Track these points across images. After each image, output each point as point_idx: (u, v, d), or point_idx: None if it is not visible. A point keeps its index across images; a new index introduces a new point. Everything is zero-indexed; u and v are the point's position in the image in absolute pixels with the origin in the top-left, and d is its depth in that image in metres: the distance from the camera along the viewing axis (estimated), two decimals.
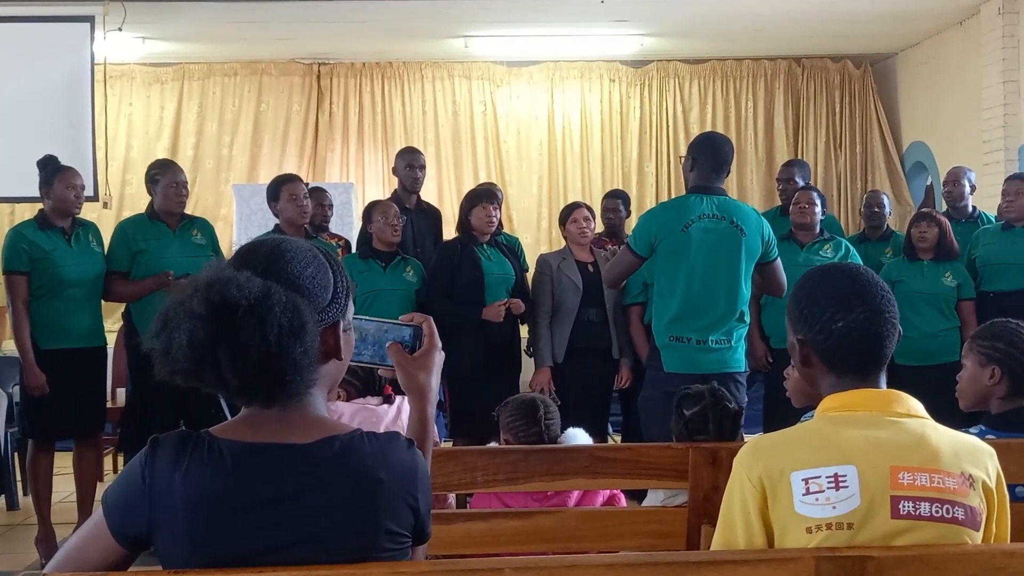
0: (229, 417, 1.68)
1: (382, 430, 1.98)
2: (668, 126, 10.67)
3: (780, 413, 4.73)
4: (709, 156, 4.54)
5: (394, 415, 3.68)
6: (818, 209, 5.86)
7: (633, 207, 9.92)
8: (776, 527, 1.80)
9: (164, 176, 5.46)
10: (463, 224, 5.60)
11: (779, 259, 4.65)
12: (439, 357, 1.91)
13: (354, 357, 1.81)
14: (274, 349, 1.53)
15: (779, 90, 10.73)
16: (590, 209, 5.85)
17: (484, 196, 5.66)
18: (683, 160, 4.74)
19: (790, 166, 7.14)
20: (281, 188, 5.47)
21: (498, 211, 5.67)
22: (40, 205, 5.39)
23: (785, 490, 1.78)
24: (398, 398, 3.69)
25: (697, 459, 2.78)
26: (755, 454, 1.85)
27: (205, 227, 5.60)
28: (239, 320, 1.52)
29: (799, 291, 1.98)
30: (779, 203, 6.97)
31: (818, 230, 5.89)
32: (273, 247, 1.66)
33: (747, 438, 2.42)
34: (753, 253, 4.49)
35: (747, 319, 4.54)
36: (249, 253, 1.66)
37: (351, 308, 1.74)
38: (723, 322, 4.43)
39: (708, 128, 10.52)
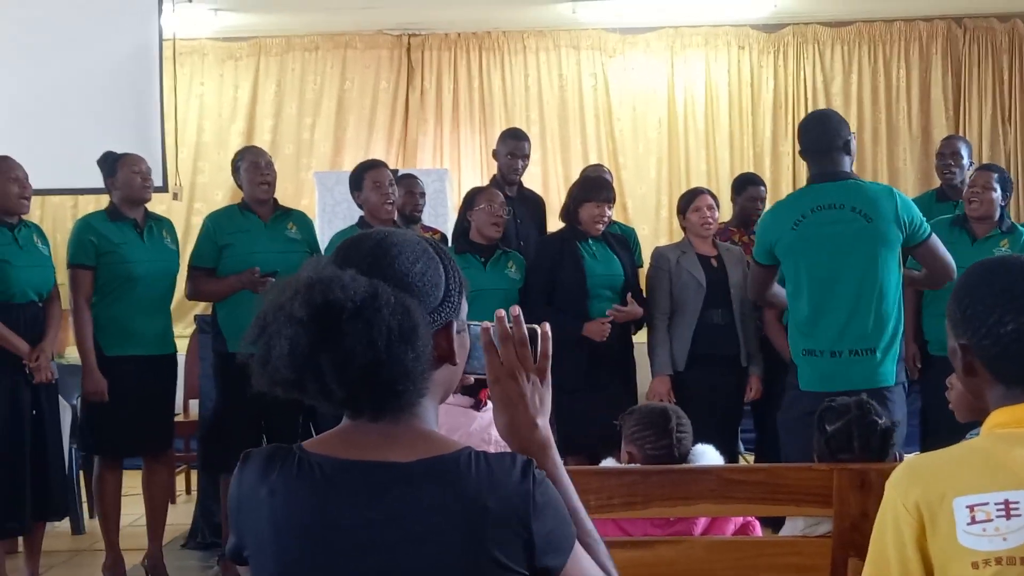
0: (314, 433, 1.71)
1: (467, 440, 1.96)
2: (806, 99, 10.50)
3: (941, 430, 4.60)
4: (814, 139, 4.48)
5: (484, 425, 3.69)
6: (996, 194, 5.41)
7: (768, 191, 9.92)
8: (936, 561, 1.77)
9: (244, 160, 5.61)
10: (569, 215, 5.59)
11: (933, 236, 4.49)
12: (549, 394, 1.79)
13: (467, 367, 1.79)
14: (383, 356, 1.55)
15: (936, 55, 10.49)
16: (714, 196, 5.80)
17: (599, 191, 5.63)
18: None
19: (953, 140, 6.76)
20: (364, 175, 5.54)
21: (611, 211, 5.63)
22: (106, 198, 5.55)
23: (946, 518, 1.75)
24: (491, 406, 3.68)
25: (843, 482, 2.75)
26: (911, 477, 1.82)
27: (303, 221, 5.71)
28: (344, 325, 1.54)
29: (961, 288, 1.93)
30: (936, 185, 6.79)
31: (997, 218, 5.45)
32: (378, 241, 1.68)
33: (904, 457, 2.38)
34: (888, 240, 4.37)
35: (894, 320, 4.42)
36: (352, 248, 1.68)
37: (464, 307, 1.74)
38: (857, 327, 4.35)
39: (853, 100, 10.38)
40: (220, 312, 5.55)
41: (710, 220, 5.66)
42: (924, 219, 4.51)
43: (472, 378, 1.81)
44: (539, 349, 1.76)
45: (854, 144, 4.54)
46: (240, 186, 5.68)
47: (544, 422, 1.75)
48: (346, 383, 1.55)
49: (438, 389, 1.70)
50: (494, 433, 3.46)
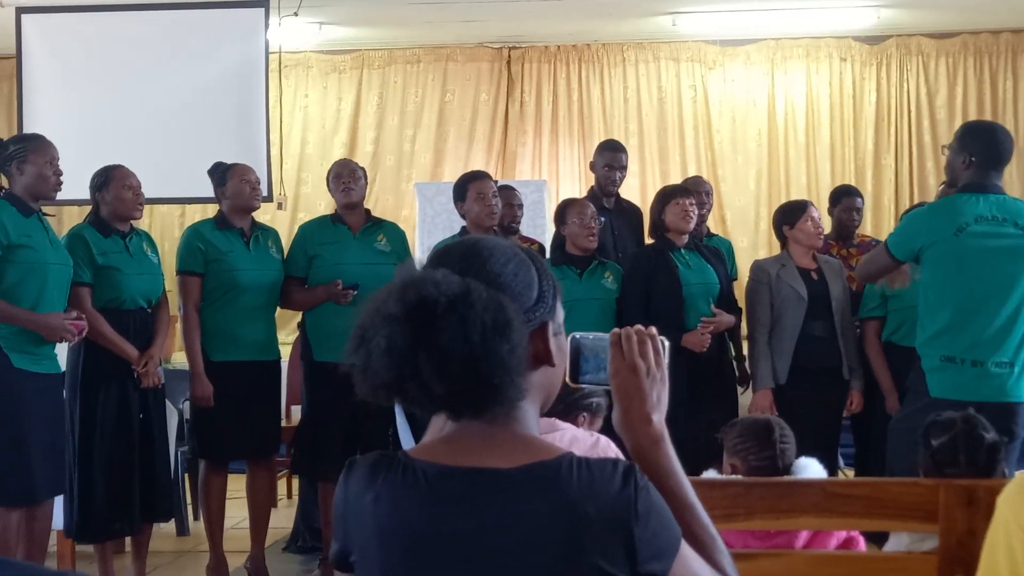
0: (403, 439, 1.72)
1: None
2: (910, 111, 10.36)
3: None
4: (989, 149, 4.40)
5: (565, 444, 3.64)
6: None
7: (868, 205, 9.78)
8: None
9: (332, 170, 5.70)
10: (657, 226, 5.59)
11: None
12: (666, 392, 1.79)
13: (574, 377, 1.79)
14: (478, 349, 1.55)
15: None
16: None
17: (678, 191, 5.65)
18: (946, 151, 4.61)
19: None
20: (468, 186, 5.57)
21: (696, 206, 5.62)
22: (213, 207, 5.66)
23: None
24: (564, 428, 3.58)
25: (950, 498, 2.70)
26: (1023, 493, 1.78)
27: (394, 233, 5.74)
28: (438, 320, 1.55)
29: None
30: None
31: None
32: (469, 245, 1.70)
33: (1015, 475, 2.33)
34: None
35: None
36: (444, 254, 1.70)
37: (560, 312, 1.75)
38: (1006, 341, 4.29)
39: (958, 114, 10.22)
40: (307, 321, 5.63)
41: (821, 229, 5.62)
42: None
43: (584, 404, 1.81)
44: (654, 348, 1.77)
45: None
46: (333, 195, 5.77)
47: (659, 418, 1.75)
48: (445, 379, 1.56)
49: (537, 392, 1.71)
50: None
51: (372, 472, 1.65)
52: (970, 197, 4.35)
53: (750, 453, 3.54)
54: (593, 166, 6.47)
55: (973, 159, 4.39)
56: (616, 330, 1.77)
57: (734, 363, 5.83)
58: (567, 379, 1.80)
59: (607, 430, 1.98)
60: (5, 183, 4.90)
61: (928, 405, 4.20)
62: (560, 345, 1.74)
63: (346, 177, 5.63)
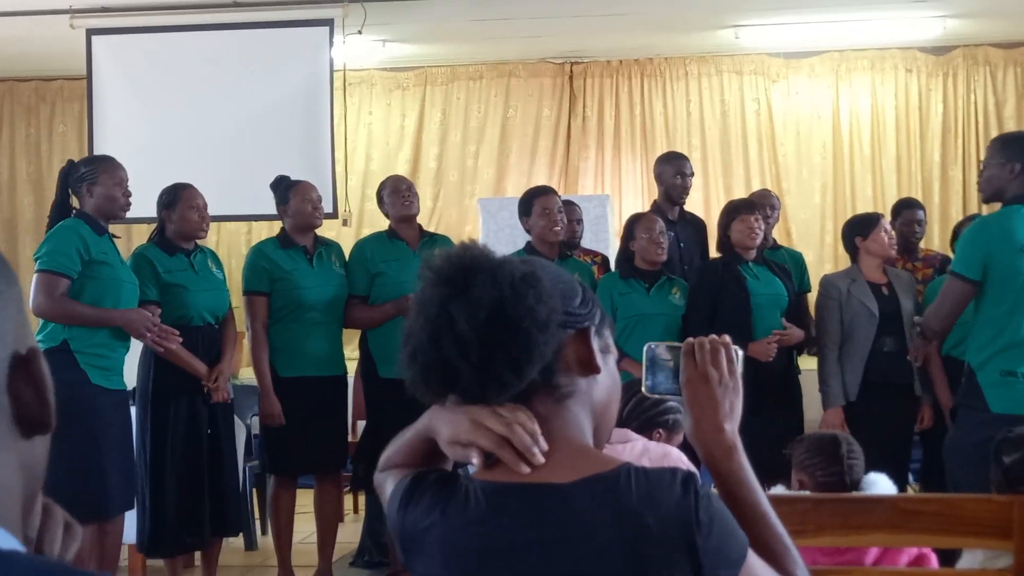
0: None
1: None
2: (977, 123, 10.23)
3: None
4: None
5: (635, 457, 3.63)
6: None
7: (935, 217, 9.68)
8: None
9: (386, 187, 5.75)
10: (723, 241, 5.58)
11: None
12: (739, 401, 1.79)
13: (647, 386, 1.81)
14: (507, 292, 1.60)
15: None
16: None
17: (743, 207, 5.64)
18: (985, 164, 4.54)
19: None
20: (534, 201, 5.60)
21: (762, 221, 5.60)
22: (278, 224, 5.72)
23: None
24: (634, 440, 3.57)
25: None
26: None
27: (447, 246, 5.78)
28: (470, 279, 1.61)
29: None
30: None
31: None
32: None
33: None
34: None
35: None
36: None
37: (609, 336, 1.76)
38: None
39: None
40: (371, 338, 5.65)
41: (895, 241, 5.61)
42: None
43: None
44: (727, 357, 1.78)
45: None
46: (386, 214, 5.79)
47: (732, 427, 1.75)
48: (475, 325, 1.59)
49: (587, 399, 1.71)
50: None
51: (436, 493, 1.67)
52: None
53: (817, 469, 3.53)
54: (659, 177, 6.45)
55: (1020, 167, 4.33)
56: (690, 339, 1.78)
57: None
58: (643, 389, 1.81)
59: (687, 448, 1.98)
60: (76, 203, 4.99)
61: (989, 421, 4.16)
62: (608, 363, 1.74)
63: (405, 191, 5.70)
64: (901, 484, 5.46)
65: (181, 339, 4.98)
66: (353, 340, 8.25)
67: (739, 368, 1.78)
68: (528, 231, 5.64)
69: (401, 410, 1.91)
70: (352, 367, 6.24)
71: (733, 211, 5.61)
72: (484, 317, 1.59)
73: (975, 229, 4.52)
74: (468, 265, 1.63)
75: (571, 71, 10.78)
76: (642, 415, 3.62)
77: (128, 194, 4.96)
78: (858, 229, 5.65)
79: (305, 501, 5.84)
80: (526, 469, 1.62)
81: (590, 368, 1.70)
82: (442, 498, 1.66)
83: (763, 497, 1.74)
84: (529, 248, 5.56)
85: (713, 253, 6.23)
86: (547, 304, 1.62)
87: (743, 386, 1.78)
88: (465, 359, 1.61)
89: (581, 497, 1.59)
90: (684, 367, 1.77)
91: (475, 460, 1.65)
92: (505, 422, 1.63)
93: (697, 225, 6.56)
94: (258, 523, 6.61)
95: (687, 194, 6.35)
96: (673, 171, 6.31)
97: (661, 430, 3.56)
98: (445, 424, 1.69)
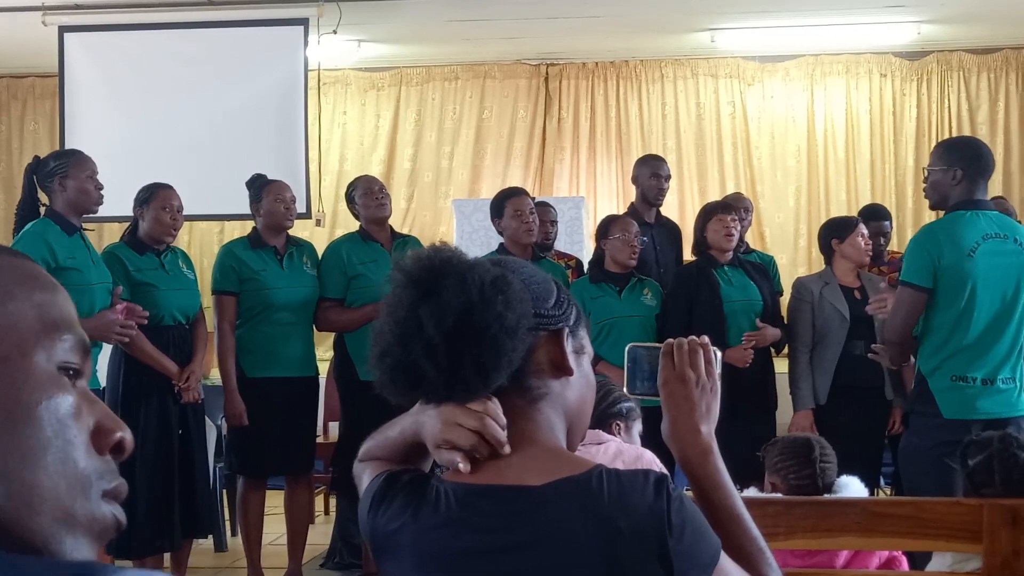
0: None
1: None
2: (951, 127, 10.29)
3: None
4: (977, 162, 4.37)
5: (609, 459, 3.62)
6: None
7: (908, 222, 9.73)
8: None
9: (358, 188, 5.72)
10: (699, 243, 5.59)
11: None
12: (716, 402, 1.79)
13: (628, 387, 1.82)
14: (475, 299, 1.59)
15: None
16: None
17: (719, 207, 5.66)
18: (929, 170, 4.54)
19: None
20: (506, 203, 5.59)
21: (738, 223, 5.63)
22: (251, 223, 5.70)
23: None
24: (607, 440, 3.56)
25: (994, 518, 2.68)
26: None
27: (419, 248, 5.77)
28: (439, 282, 1.60)
29: None
30: None
31: None
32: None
33: None
34: None
35: None
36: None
37: (585, 337, 1.75)
38: (1011, 357, 4.32)
39: (999, 130, 10.16)
40: (349, 340, 5.62)
41: (871, 245, 5.61)
42: None
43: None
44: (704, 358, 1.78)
45: None
46: (356, 215, 5.77)
47: (708, 429, 1.75)
48: (443, 330, 1.58)
49: (559, 401, 1.70)
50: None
51: (403, 498, 1.66)
52: (972, 215, 4.32)
53: (790, 472, 3.54)
54: (636, 179, 6.46)
55: (962, 173, 4.35)
56: (670, 340, 1.79)
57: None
58: (624, 389, 1.84)
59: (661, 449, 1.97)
60: (45, 200, 4.93)
61: (941, 426, 4.20)
62: (582, 364, 1.74)
63: (378, 192, 5.69)
64: (872, 487, 5.48)
65: (147, 313, 4.91)
66: (326, 341, 8.26)
67: (717, 370, 1.78)
68: (500, 233, 5.63)
69: (380, 413, 1.90)
70: (324, 368, 6.21)
71: (710, 212, 5.63)
72: (452, 322, 1.58)
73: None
74: (438, 268, 1.61)
75: (547, 73, 10.79)
76: (595, 411, 3.61)
77: (100, 187, 4.89)
78: (835, 231, 5.66)
79: (276, 502, 5.82)
80: (507, 450, 1.63)
81: (562, 370, 1.69)
82: (414, 500, 1.65)
83: (738, 500, 1.74)
84: (502, 250, 5.54)
85: (688, 257, 6.25)
86: (516, 310, 1.60)
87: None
88: (432, 363, 1.60)
89: (554, 500, 1.58)
90: (662, 368, 1.77)
91: (462, 466, 1.64)
92: (477, 416, 1.63)
93: (672, 229, 6.58)
94: (228, 524, 6.58)
95: (663, 196, 6.37)
96: (649, 172, 6.33)
97: (618, 421, 3.55)
98: (430, 426, 1.69)
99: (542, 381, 1.67)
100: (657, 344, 1.81)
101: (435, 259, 1.63)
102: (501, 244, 5.64)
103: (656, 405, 1.81)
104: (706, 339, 1.79)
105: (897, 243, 7.94)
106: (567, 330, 1.70)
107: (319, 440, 6.08)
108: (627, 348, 1.81)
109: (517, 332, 1.60)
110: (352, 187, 5.83)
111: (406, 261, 1.65)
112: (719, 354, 1.80)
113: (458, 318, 1.58)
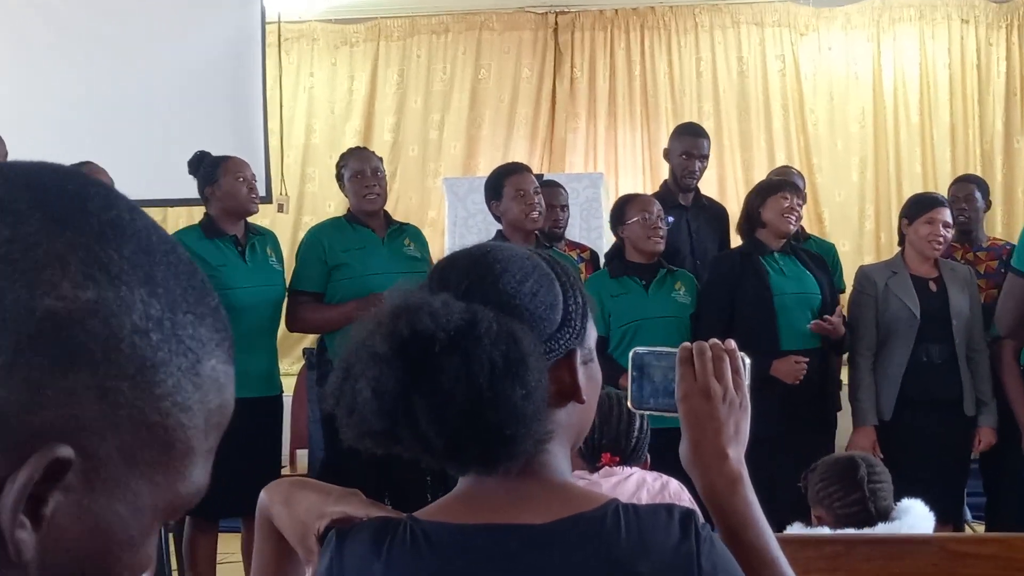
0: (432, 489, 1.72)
1: None
2: None
3: None
4: None
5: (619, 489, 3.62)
6: None
7: (997, 199, 9.71)
8: None
9: (348, 166, 5.69)
10: (750, 223, 5.54)
11: None
12: (747, 421, 1.77)
13: (634, 401, 1.80)
14: (486, 394, 1.51)
15: None
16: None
17: (784, 185, 5.62)
18: None
19: None
20: (504, 181, 5.57)
21: (802, 206, 5.62)
22: (200, 210, 5.69)
23: None
24: (628, 471, 3.57)
25: None
26: None
27: (418, 238, 5.78)
28: (436, 359, 1.52)
29: None
30: None
31: None
32: (478, 258, 1.67)
33: None
34: None
35: None
36: (448, 268, 1.68)
37: (592, 332, 1.72)
38: None
39: None
40: (331, 345, 5.62)
41: (942, 238, 5.49)
42: None
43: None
44: (733, 367, 1.75)
45: None
46: (345, 195, 5.79)
47: (737, 453, 1.72)
48: (445, 430, 1.53)
49: (566, 433, 1.68)
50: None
51: (376, 538, 1.63)
52: None
53: (835, 499, 3.53)
54: (668, 154, 6.43)
55: None
56: (686, 344, 1.75)
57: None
58: (629, 404, 1.80)
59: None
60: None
61: None
62: (591, 375, 1.70)
63: (370, 178, 5.63)
64: (957, 521, 5.47)
65: None
66: (292, 351, 8.23)
67: (746, 381, 1.75)
68: (498, 218, 5.61)
69: None
70: (289, 385, 6.21)
71: (770, 188, 5.58)
72: (456, 423, 1.52)
73: None
74: (431, 339, 1.51)
75: (556, 23, 10.78)
76: (627, 441, 3.63)
77: None
78: (908, 210, 5.62)
79: (231, 548, 5.82)
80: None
81: (573, 398, 1.67)
82: (388, 541, 1.63)
83: (772, 539, 1.72)
84: (500, 238, 5.52)
85: (736, 243, 6.20)
86: (537, 391, 1.54)
87: (770, 401, 1.77)
88: (427, 452, 1.57)
89: (560, 541, 1.58)
90: (680, 379, 1.74)
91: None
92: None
93: (715, 212, 6.50)
94: (176, 574, 6.58)
95: (694, 179, 6.26)
96: (679, 149, 6.26)
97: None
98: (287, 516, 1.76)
99: (549, 420, 1.62)
100: (670, 349, 1.77)
101: (428, 326, 1.52)
102: (499, 231, 5.62)
103: (668, 425, 1.79)
104: (733, 344, 1.76)
105: (988, 225, 7.89)
106: (578, 348, 1.67)
107: (284, 472, 6.07)
108: (631, 354, 1.78)
109: (539, 415, 1.55)
110: (343, 161, 5.80)
111: (390, 318, 1.56)
112: (748, 361, 1.77)
113: (464, 419, 1.52)
